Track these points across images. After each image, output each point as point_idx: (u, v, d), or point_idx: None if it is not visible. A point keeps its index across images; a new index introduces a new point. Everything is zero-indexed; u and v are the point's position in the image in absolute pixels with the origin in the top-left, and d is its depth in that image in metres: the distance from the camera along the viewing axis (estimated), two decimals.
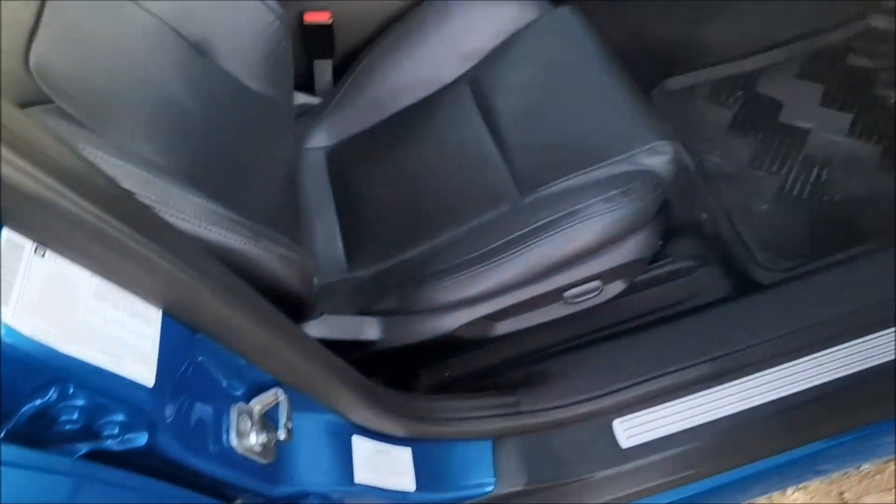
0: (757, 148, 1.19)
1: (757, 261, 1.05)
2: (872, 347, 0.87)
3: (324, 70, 1.17)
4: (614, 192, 0.83)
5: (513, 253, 0.83)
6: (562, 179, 0.88)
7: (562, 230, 0.82)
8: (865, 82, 1.25)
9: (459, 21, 1.05)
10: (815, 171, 1.15)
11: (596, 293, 0.94)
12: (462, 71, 1.07)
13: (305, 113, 1.13)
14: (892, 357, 0.85)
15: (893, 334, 0.87)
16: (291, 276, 0.71)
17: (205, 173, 0.73)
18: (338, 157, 1.10)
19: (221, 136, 0.82)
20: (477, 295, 0.85)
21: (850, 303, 0.89)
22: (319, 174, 1.09)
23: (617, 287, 0.97)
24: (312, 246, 0.99)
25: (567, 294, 0.92)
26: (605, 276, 0.93)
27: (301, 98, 1.14)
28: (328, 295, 0.92)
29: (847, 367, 0.85)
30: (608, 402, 0.82)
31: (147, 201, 0.59)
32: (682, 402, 0.83)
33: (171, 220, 0.59)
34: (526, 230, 0.84)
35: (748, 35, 1.30)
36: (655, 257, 1.02)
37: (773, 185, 1.15)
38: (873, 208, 1.08)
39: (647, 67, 1.24)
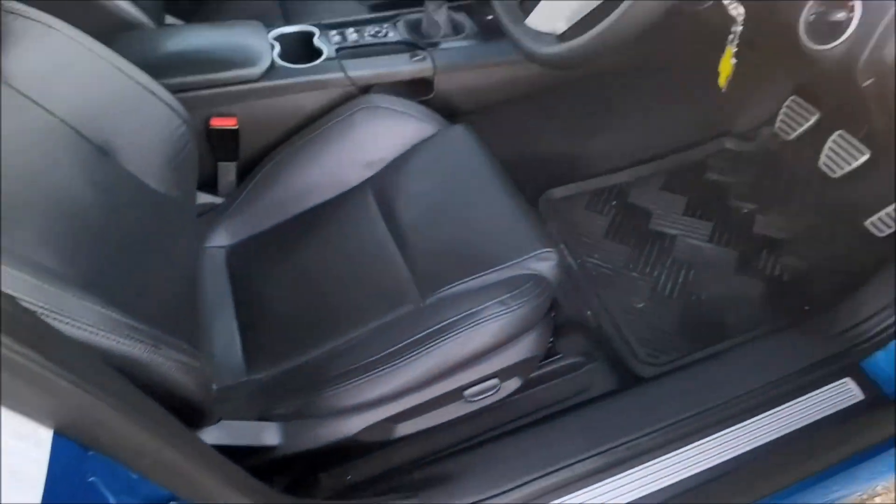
0: (631, 251, 1.32)
1: (637, 356, 1.14)
2: (743, 434, 0.96)
3: (228, 171, 1.18)
4: (507, 295, 0.88)
5: (414, 355, 0.85)
6: (459, 282, 0.93)
7: (460, 332, 0.86)
8: (721, 195, 1.42)
9: (363, 132, 1.11)
10: (683, 272, 1.28)
11: (494, 391, 0.97)
12: (365, 177, 1.12)
13: (207, 212, 1.13)
14: (762, 442, 0.95)
15: (757, 423, 0.97)
16: (190, 383, 0.69)
17: (103, 278, 0.71)
18: (238, 257, 1.10)
19: (121, 239, 0.81)
20: (378, 398, 0.86)
21: (721, 393, 0.99)
22: (219, 273, 1.08)
23: (513, 384, 1.00)
24: (210, 348, 0.96)
25: (467, 392, 0.95)
26: (503, 374, 0.97)
27: (204, 198, 1.14)
28: (226, 399, 0.90)
29: (725, 452, 0.93)
30: (506, 499, 0.84)
31: (40, 310, 0.56)
32: (578, 495, 0.87)
33: (65, 328, 0.57)
34: (426, 332, 0.87)
35: (620, 152, 1.46)
36: (547, 354, 1.08)
37: (647, 286, 1.26)
38: (733, 307, 1.22)
39: (532, 179, 1.36)
